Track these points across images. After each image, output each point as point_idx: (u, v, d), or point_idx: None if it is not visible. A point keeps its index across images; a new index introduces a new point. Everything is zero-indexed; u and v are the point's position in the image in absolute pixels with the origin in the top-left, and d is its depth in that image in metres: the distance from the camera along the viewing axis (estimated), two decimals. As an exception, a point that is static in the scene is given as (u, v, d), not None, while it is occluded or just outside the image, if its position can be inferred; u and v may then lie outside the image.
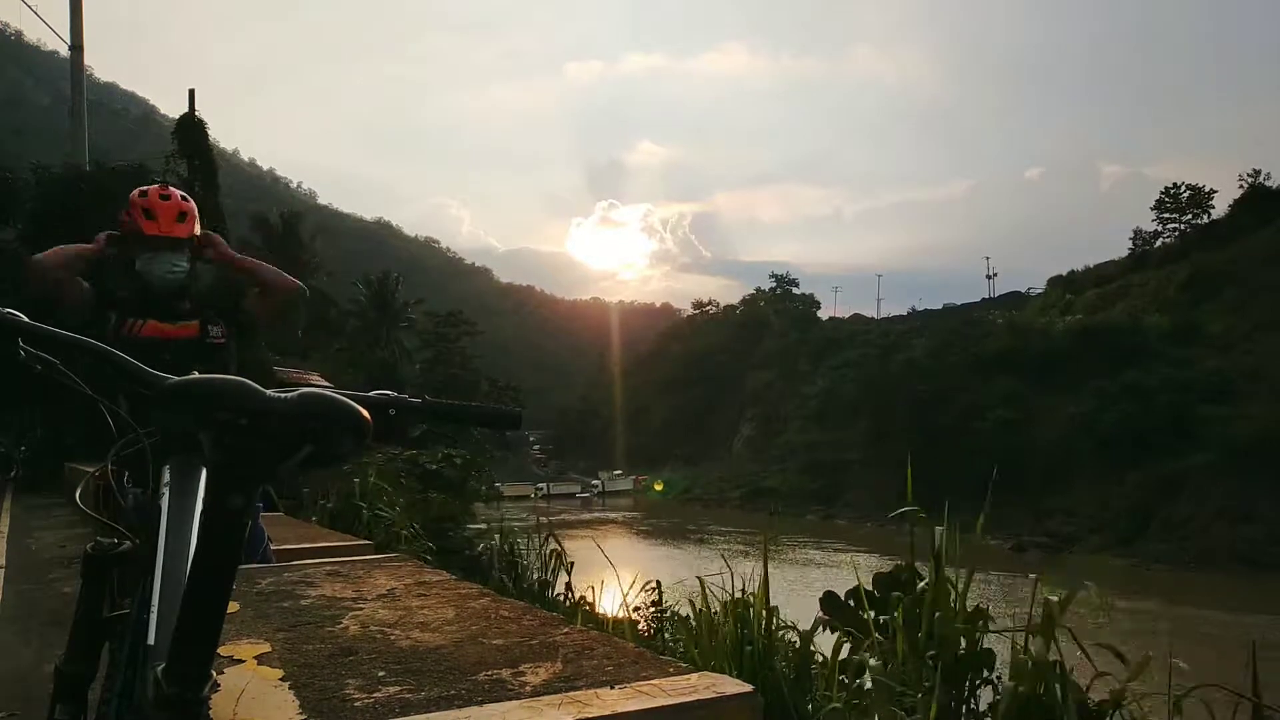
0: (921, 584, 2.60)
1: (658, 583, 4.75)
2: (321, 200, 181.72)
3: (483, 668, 1.62)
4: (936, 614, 2.39)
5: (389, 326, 54.09)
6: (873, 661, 2.53)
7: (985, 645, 2.46)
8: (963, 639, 2.37)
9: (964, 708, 2.30)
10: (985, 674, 2.39)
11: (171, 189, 3.16)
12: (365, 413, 0.79)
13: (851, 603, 2.85)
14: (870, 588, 2.85)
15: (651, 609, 4.37)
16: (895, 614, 2.49)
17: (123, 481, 1.81)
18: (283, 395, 0.77)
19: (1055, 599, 2.37)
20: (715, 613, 3.12)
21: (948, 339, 62.10)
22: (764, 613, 2.77)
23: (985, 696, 2.41)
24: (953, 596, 2.45)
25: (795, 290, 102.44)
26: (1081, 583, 2.54)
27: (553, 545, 6.73)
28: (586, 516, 55.65)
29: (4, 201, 21.37)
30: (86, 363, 0.95)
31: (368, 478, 9.06)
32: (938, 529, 2.58)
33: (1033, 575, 2.50)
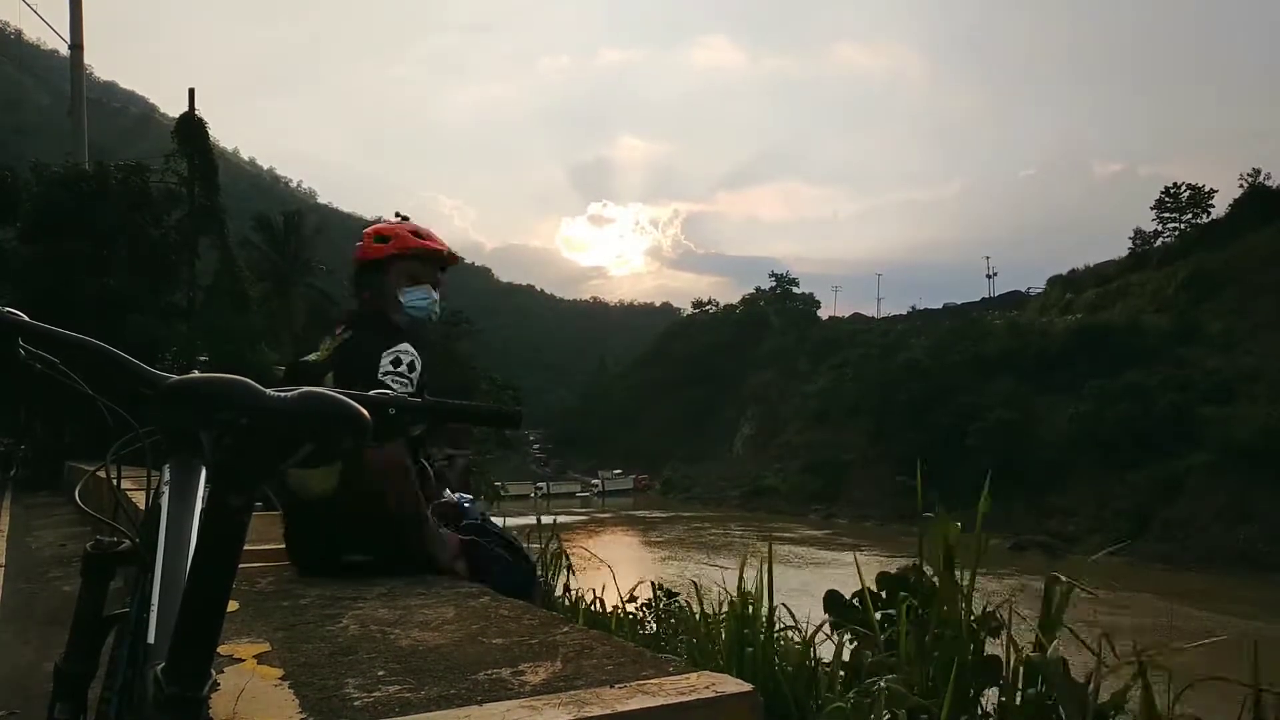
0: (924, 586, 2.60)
1: (655, 582, 4.76)
2: (321, 199, 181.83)
3: (482, 667, 1.62)
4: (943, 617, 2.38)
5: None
6: (869, 658, 2.53)
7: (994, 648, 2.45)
8: (971, 644, 2.35)
9: (968, 708, 2.30)
10: (994, 678, 2.37)
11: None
12: (365, 412, 0.79)
13: (856, 603, 2.84)
14: (874, 588, 2.85)
15: (651, 608, 4.37)
16: (900, 615, 2.48)
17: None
18: (283, 394, 0.77)
19: (1059, 592, 2.36)
20: (715, 612, 3.12)
21: (948, 338, 62.17)
22: (764, 612, 2.76)
23: (989, 697, 2.41)
24: (963, 602, 2.44)
25: (795, 290, 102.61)
26: (1083, 579, 2.53)
27: (553, 544, 6.74)
28: (586, 515, 55.66)
29: (4, 200, 21.37)
30: (87, 361, 0.94)
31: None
32: (956, 527, 2.55)
33: (1055, 574, 2.47)
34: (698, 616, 3.18)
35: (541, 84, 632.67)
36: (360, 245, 2.86)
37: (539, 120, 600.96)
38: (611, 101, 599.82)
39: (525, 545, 3.12)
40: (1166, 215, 64.88)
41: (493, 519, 2.96)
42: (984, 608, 2.48)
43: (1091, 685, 2.17)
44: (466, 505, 2.88)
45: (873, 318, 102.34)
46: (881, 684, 2.19)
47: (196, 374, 0.83)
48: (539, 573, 3.82)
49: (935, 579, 2.57)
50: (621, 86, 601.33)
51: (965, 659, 2.29)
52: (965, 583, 2.49)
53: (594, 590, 4.39)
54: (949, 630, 2.37)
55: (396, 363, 2.49)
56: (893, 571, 2.90)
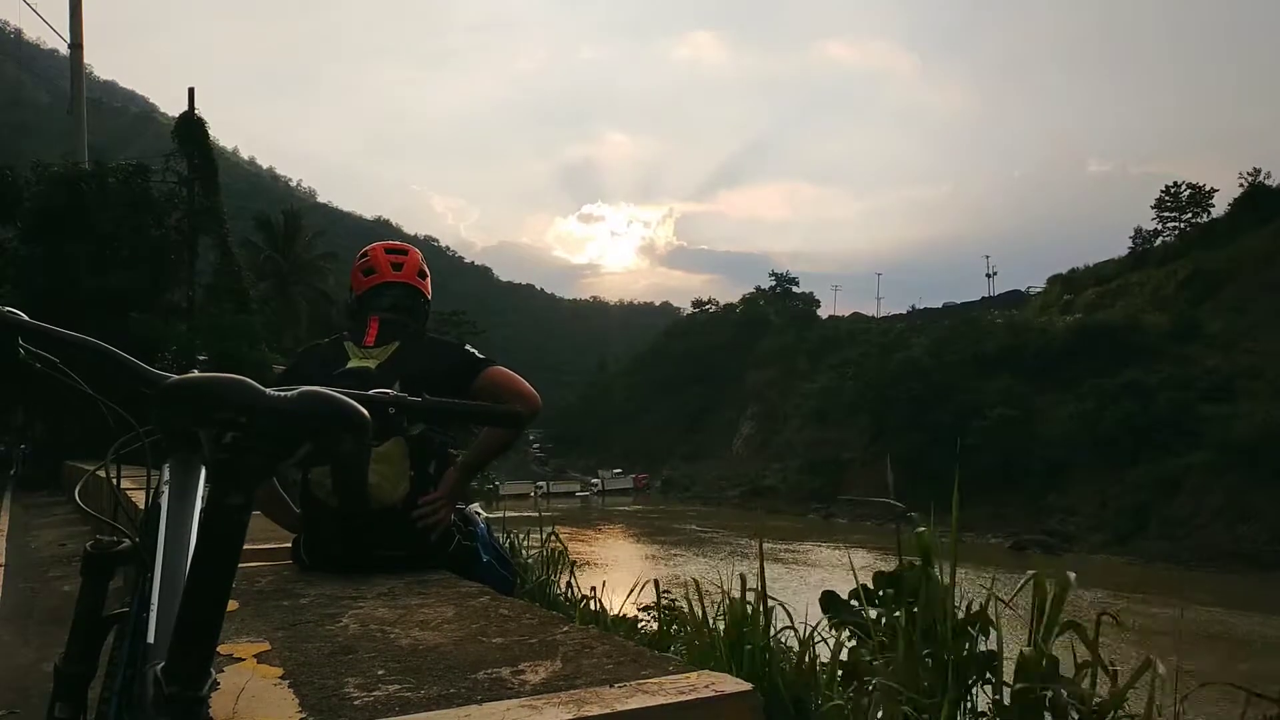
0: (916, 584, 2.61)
1: (657, 581, 4.75)
2: (321, 199, 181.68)
3: (482, 666, 1.62)
4: (929, 613, 2.40)
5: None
6: (868, 658, 2.53)
7: (985, 645, 2.46)
8: (965, 641, 2.36)
9: (962, 705, 2.30)
10: (987, 675, 2.38)
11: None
12: (365, 411, 0.79)
13: (854, 603, 2.84)
14: (871, 586, 2.85)
15: (651, 607, 4.37)
16: (894, 614, 2.49)
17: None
18: (282, 394, 0.77)
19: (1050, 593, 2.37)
20: (714, 611, 3.13)
21: (947, 338, 62.11)
22: (763, 611, 2.77)
23: (984, 695, 2.42)
24: (957, 597, 2.45)
25: (795, 289, 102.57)
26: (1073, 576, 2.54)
27: (553, 543, 6.74)
28: (563, 511, 55.67)
29: (4, 200, 21.37)
30: (86, 361, 0.94)
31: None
32: (924, 529, 2.58)
33: (1030, 571, 2.49)
34: (698, 615, 3.18)
35: (528, 81, 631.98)
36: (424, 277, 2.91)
37: (526, 117, 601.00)
38: (596, 98, 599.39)
39: (522, 547, 3.13)
40: (1166, 214, 64.89)
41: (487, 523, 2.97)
42: (977, 605, 2.48)
43: (1087, 683, 2.17)
44: (478, 513, 2.90)
45: (872, 317, 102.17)
46: (879, 682, 2.19)
47: (196, 373, 0.82)
48: (536, 574, 3.82)
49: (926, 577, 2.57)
50: (606, 83, 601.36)
51: (960, 657, 2.29)
52: (952, 581, 2.50)
53: (594, 589, 4.39)
54: (940, 628, 2.38)
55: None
56: (889, 570, 2.90)
